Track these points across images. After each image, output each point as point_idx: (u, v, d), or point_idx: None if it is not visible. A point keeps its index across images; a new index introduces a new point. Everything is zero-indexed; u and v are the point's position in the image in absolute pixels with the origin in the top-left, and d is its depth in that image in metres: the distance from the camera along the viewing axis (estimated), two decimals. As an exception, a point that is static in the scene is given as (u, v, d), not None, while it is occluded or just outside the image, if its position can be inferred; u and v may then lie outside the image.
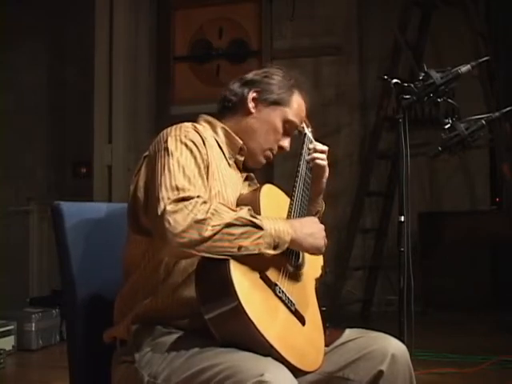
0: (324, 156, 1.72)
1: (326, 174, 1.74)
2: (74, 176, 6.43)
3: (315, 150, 1.71)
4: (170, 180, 1.40)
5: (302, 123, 1.72)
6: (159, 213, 1.35)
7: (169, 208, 1.34)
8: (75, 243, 1.65)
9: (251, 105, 1.65)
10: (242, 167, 1.67)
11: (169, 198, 1.36)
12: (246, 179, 1.69)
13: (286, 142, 1.68)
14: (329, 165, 1.75)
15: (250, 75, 1.69)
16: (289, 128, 1.68)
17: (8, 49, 5.90)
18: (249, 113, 1.65)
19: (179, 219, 1.33)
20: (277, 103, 1.65)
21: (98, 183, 5.84)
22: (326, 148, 1.74)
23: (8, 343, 4.19)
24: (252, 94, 1.65)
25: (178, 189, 1.38)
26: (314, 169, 1.70)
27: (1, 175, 5.81)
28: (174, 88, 6.50)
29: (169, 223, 1.32)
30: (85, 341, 1.64)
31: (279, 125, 1.65)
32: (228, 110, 1.68)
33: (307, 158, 1.70)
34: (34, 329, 4.35)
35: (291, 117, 1.66)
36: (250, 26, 6.33)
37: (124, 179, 5.46)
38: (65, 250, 1.64)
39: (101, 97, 5.85)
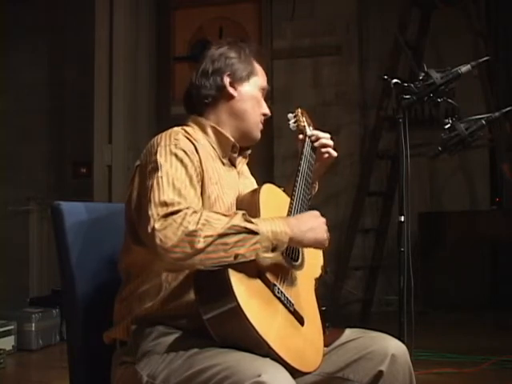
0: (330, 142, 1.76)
1: (333, 156, 1.76)
2: (74, 176, 6.43)
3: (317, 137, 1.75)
4: (158, 195, 1.39)
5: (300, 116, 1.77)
6: (149, 230, 1.34)
7: (157, 225, 1.33)
8: (75, 243, 1.65)
9: (231, 89, 1.65)
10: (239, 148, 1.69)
11: (158, 215, 1.35)
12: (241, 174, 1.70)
13: (266, 109, 1.72)
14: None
15: (206, 66, 1.66)
16: (264, 93, 1.73)
17: (8, 49, 5.91)
18: (231, 98, 1.66)
19: (169, 234, 1.32)
20: (248, 77, 1.68)
21: (98, 183, 5.84)
22: (327, 135, 1.77)
23: (8, 343, 4.19)
24: (227, 80, 1.65)
25: (166, 204, 1.37)
26: (321, 154, 1.74)
27: (1, 175, 5.81)
28: (174, 88, 6.50)
29: (160, 240, 1.32)
30: (85, 341, 1.64)
31: (259, 95, 1.70)
32: (209, 105, 1.66)
33: (312, 137, 1.74)
34: (34, 329, 4.36)
35: (263, 82, 1.72)
36: (250, 26, 6.33)
37: (124, 179, 5.45)
38: (65, 250, 1.64)
39: (101, 97, 5.85)
